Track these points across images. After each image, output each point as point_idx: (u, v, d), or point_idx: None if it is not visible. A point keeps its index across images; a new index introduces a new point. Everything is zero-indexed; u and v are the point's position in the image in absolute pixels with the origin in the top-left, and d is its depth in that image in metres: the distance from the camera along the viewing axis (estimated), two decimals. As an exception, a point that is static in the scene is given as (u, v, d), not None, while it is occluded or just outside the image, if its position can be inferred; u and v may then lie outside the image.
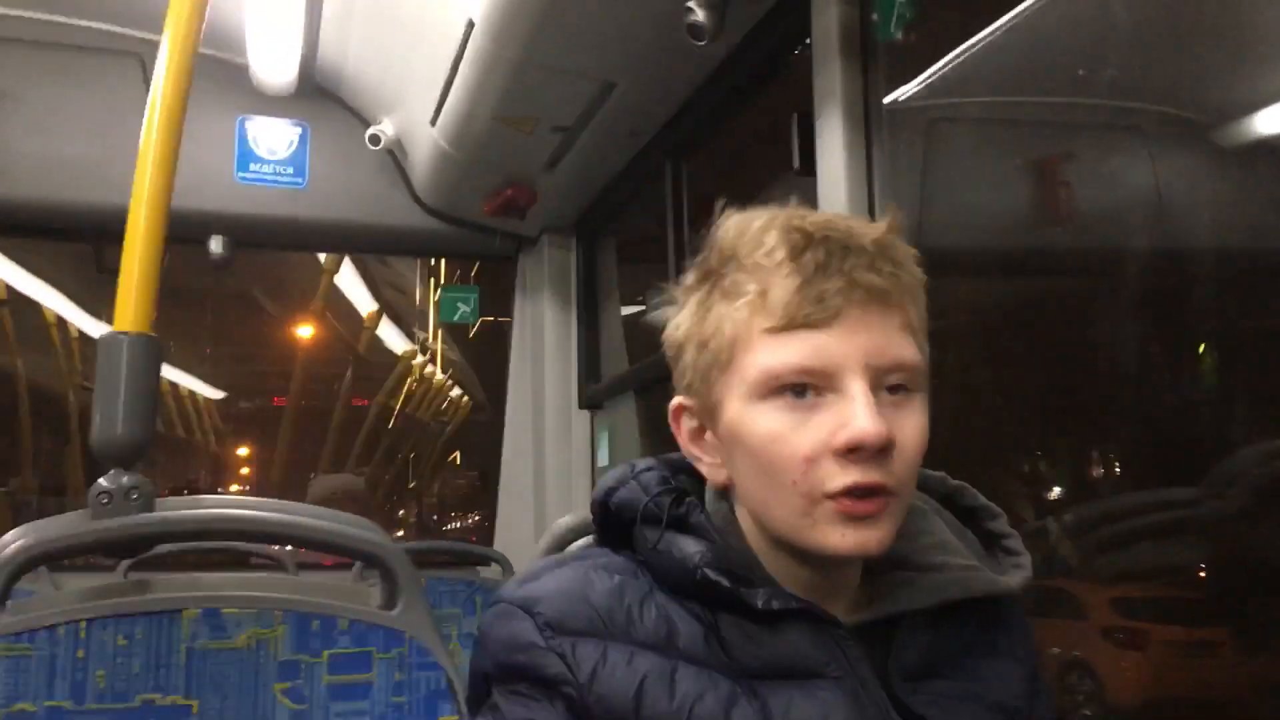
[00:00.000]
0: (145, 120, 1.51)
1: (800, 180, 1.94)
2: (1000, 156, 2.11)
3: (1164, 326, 1.71)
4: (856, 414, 0.79)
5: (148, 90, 2.83)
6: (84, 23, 3.00)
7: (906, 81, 1.95)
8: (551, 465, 3.22)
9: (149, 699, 1.25)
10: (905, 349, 0.83)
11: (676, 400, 0.91)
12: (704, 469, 0.90)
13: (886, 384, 0.82)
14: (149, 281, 1.40)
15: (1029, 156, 2.03)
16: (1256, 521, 1.43)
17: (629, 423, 3.08)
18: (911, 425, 0.82)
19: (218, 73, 2.98)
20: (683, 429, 0.91)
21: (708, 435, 0.89)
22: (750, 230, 0.86)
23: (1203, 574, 1.63)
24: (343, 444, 10.24)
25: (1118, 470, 1.92)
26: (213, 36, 2.83)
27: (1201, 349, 1.67)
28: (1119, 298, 1.80)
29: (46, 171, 2.91)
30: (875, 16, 1.76)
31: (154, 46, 2.81)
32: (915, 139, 2.06)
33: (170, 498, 1.36)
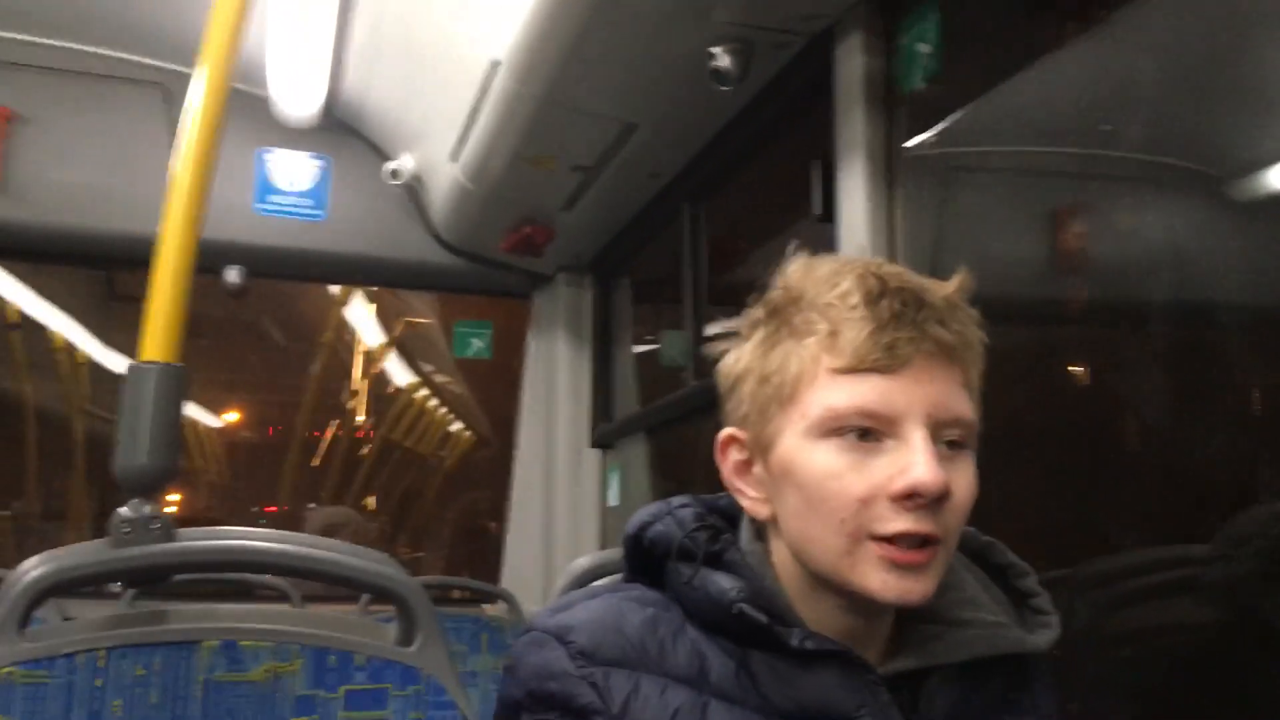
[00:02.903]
0: (176, 151, 1.52)
1: (820, 226, 1.96)
2: (1018, 205, 2.12)
3: (1176, 378, 1.71)
4: (917, 462, 0.80)
5: (169, 120, 2.89)
6: (107, 51, 3.04)
7: (928, 128, 1.96)
8: (561, 503, 3.21)
9: None
10: (964, 405, 0.85)
11: (726, 432, 0.92)
12: (746, 503, 0.91)
13: (944, 438, 0.83)
14: (176, 312, 1.40)
15: (1046, 206, 2.04)
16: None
17: (640, 463, 3.08)
18: (964, 479, 0.84)
19: (238, 104, 2.97)
20: (729, 460, 0.92)
21: (755, 469, 0.90)
22: (821, 273, 0.88)
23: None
24: (345, 477, 10.22)
25: (1127, 525, 1.91)
26: (235, 68, 2.85)
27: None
28: (1132, 348, 1.80)
29: (65, 197, 2.93)
30: (899, 67, 1.79)
31: (176, 77, 2.87)
32: (935, 186, 2.07)
33: (188, 528, 1.35)
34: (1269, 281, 1.56)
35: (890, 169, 1.84)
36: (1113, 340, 1.88)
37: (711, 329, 0.95)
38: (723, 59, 1.93)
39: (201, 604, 1.53)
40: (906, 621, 0.91)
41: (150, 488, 1.32)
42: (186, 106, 1.57)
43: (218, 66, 1.56)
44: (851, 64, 1.82)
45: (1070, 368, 2.01)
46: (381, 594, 1.37)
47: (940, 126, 2.00)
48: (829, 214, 1.89)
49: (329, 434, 10.43)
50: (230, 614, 1.34)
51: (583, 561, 1.47)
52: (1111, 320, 1.89)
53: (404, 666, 1.34)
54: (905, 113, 1.85)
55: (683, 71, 2.06)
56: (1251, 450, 1.53)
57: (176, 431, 1.34)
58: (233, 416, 11.68)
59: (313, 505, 8.65)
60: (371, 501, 10.74)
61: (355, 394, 10.30)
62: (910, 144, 1.87)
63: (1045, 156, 2.10)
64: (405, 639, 1.36)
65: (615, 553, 1.50)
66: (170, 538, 1.29)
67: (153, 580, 1.51)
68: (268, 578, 3.07)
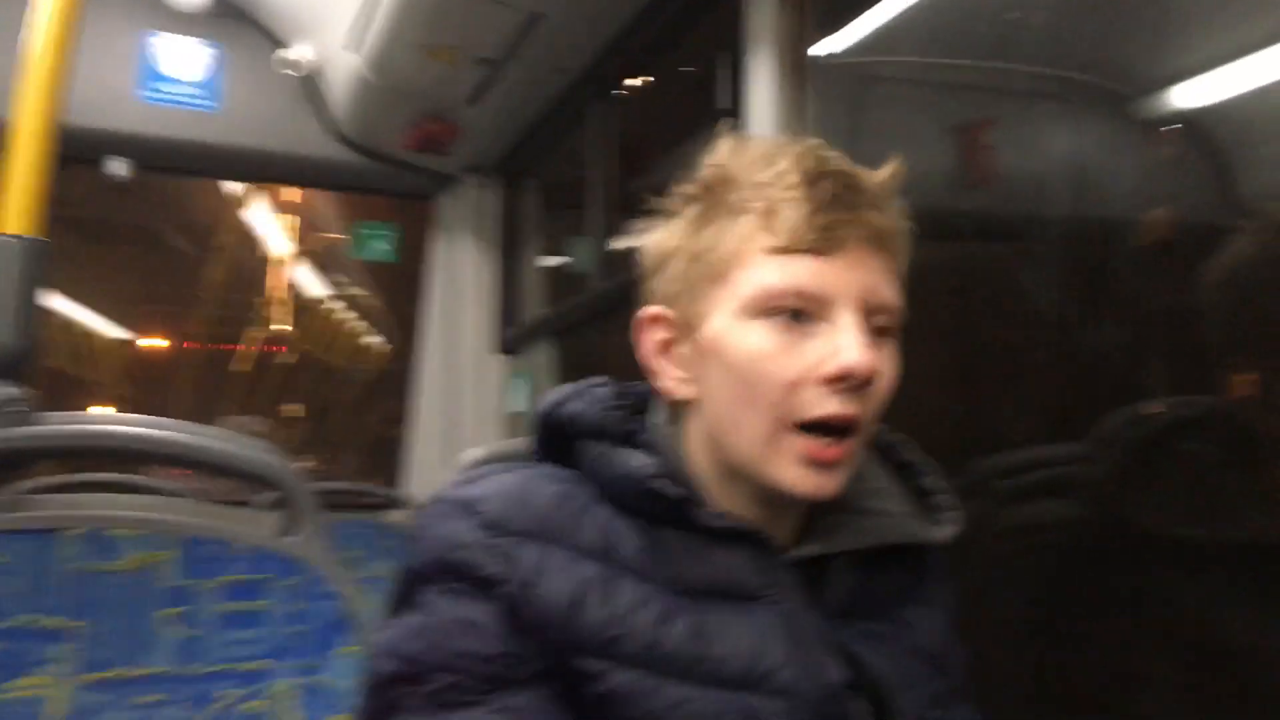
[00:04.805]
0: (34, 20, 1.41)
1: (728, 124, 1.92)
2: (926, 116, 2.11)
3: (1074, 292, 1.74)
4: (849, 344, 0.80)
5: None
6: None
7: (838, 29, 1.93)
8: (466, 410, 3.17)
9: (31, 619, 1.19)
10: (893, 293, 0.84)
11: (650, 310, 0.90)
12: (667, 383, 0.90)
13: (873, 324, 0.83)
14: (33, 184, 1.31)
15: (955, 119, 2.03)
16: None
17: (547, 368, 3.04)
18: (889, 366, 0.84)
19: (122, -14, 2.82)
20: (650, 339, 0.90)
21: (680, 348, 0.88)
22: (756, 152, 0.86)
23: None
24: (253, 389, 10.05)
25: (1018, 431, 1.96)
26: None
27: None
28: (1033, 262, 1.82)
29: None
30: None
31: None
32: (845, 93, 2.04)
33: (53, 413, 1.28)
34: (1165, 196, 1.58)
35: (800, 66, 1.80)
36: (1011, 252, 1.90)
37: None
38: (631, -56, 1.86)
39: (70, 495, 1.46)
40: (815, 508, 0.91)
41: (9, 368, 1.24)
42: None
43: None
44: (762, -47, 1.77)
45: (970, 278, 2.03)
46: (260, 481, 1.33)
47: (850, 29, 1.97)
48: (736, 109, 1.85)
49: (242, 346, 10.20)
50: (98, 502, 1.28)
51: (475, 452, 1.43)
52: (1012, 233, 1.91)
53: (285, 557, 1.30)
54: (816, 9, 1.81)
55: (591, -42, 1.98)
56: (1135, 358, 1.56)
57: (34, 308, 1.25)
58: (134, 327, 11.32)
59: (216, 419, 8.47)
60: (283, 413, 10.59)
61: (268, 303, 10.02)
62: (820, 49, 1.84)
63: (956, 69, 2.09)
64: (287, 529, 1.32)
65: (511, 444, 1.47)
66: (29, 421, 1.22)
67: (10, 465, 1.44)
68: (151, 479, 2.97)
